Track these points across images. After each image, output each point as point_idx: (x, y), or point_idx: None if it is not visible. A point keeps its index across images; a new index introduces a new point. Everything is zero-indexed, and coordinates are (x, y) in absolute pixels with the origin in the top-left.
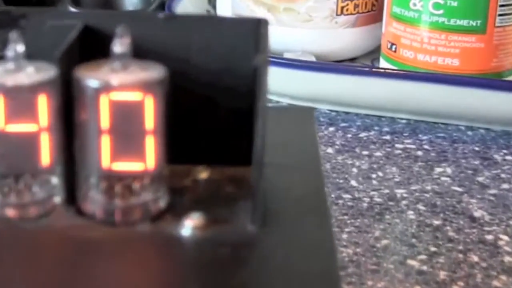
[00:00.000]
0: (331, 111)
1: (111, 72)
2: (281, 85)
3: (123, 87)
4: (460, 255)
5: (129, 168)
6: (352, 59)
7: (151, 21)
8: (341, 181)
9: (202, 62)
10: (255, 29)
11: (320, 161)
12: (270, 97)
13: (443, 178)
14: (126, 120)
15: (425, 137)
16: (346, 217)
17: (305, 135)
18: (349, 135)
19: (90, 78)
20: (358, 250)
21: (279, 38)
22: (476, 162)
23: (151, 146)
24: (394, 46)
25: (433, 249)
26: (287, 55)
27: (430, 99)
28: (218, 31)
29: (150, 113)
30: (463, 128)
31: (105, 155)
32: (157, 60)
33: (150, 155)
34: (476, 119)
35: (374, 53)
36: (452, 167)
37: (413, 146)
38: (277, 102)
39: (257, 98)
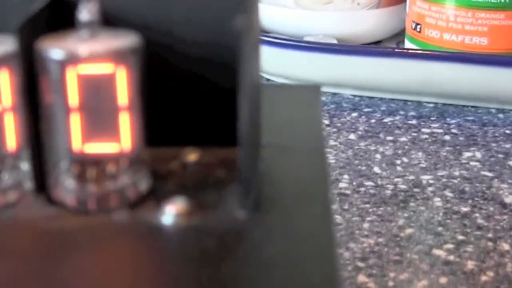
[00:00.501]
0: (355, 96)
1: (77, 42)
2: (302, 70)
3: (92, 58)
4: (490, 244)
5: (103, 149)
6: (376, 43)
7: None
8: (363, 168)
9: (185, 32)
10: None
11: (324, 143)
12: (292, 83)
13: (472, 163)
14: (97, 96)
15: (453, 121)
16: (368, 205)
17: (309, 115)
18: (373, 120)
19: (54, 49)
20: (380, 240)
21: (299, 21)
22: (508, 146)
23: (125, 125)
24: (419, 26)
25: (460, 237)
26: (307, 39)
27: (458, 81)
28: None
29: (123, 87)
30: (493, 110)
31: (76, 136)
32: (133, 29)
33: (125, 135)
34: (507, 101)
35: (400, 35)
36: (482, 151)
37: (440, 131)
38: None
39: (240, 69)
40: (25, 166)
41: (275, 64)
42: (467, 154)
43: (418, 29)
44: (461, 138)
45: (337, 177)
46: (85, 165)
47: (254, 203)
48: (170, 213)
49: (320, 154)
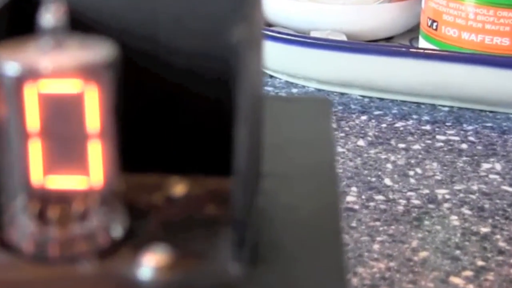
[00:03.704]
0: (364, 97)
1: (38, 53)
2: (307, 68)
3: (55, 74)
4: None
5: (68, 184)
6: (388, 39)
7: None
8: (373, 179)
9: (171, 40)
10: None
11: (336, 170)
12: (295, 81)
13: (491, 176)
14: (62, 120)
15: (470, 127)
16: (378, 223)
17: (318, 135)
18: (384, 125)
19: (9, 61)
20: (391, 264)
21: (305, 15)
22: None
23: (96, 155)
24: (435, 24)
25: (480, 263)
26: (314, 34)
27: (476, 84)
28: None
29: (94, 109)
30: None
31: (35, 167)
32: (109, 36)
33: (96, 167)
34: None
35: (413, 32)
36: (502, 163)
37: (456, 138)
38: (303, 87)
39: (238, 87)
40: None
41: (278, 61)
42: (485, 166)
43: (434, 27)
44: (479, 147)
45: (345, 189)
46: (46, 202)
47: (250, 254)
48: (149, 265)
49: (331, 185)
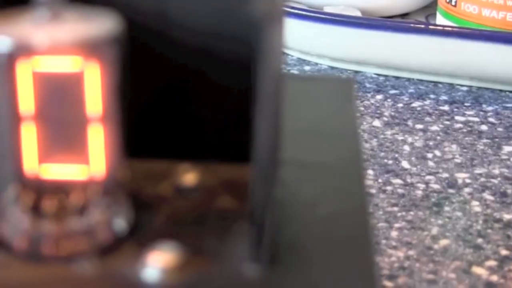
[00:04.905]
0: (379, 75)
1: (33, 26)
2: (320, 45)
3: (52, 50)
4: None
5: (65, 173)
6: (404, 15)
7: None
8: (390, 161)
9: (183, 15)
10: None
11: (362, 158)
12: (308, 58)
13: None
14: (59, 101)
15: (490, 108)
16: (396, 208)
17: (341, 118)
18: (400, 105)
19: None
20: (410, 252)
21: None
22: None
23: (97, 141)
24: (454, 0)
25: (504, 252)
26: (327, 10)
27: (496, 63)
28: None
29: (95, 89)
30: None
31: (29, 154)
32: (112, 8)
33: (96, 154)
34: None
35: (430, 8)
36: None
37: (476, 119)
38: (316, 64)
39: (258, 65)
40: None
41: (290, 37)
42: (507, 149)
43: (453, 3)
44: (499, 129)
45: None
46: (41, 194)
47: (269, 254)
48: (155, 265)
49: (356, 174)
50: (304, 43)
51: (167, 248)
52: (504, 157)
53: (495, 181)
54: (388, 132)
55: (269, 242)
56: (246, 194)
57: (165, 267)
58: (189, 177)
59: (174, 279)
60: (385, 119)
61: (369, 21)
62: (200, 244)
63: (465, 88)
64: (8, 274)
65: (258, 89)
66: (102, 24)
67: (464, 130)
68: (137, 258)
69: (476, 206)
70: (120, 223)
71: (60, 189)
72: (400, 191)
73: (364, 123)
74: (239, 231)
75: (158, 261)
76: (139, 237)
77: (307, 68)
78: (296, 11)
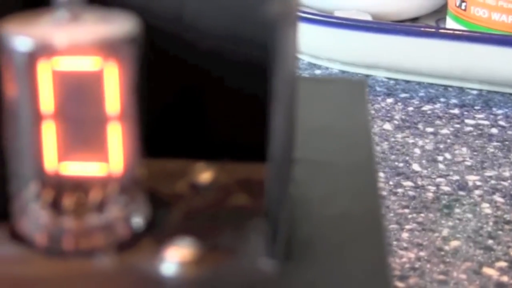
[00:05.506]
0: (389, 79)
1: (53, 27)
2: (331, 49)
3: (72, 50)
4: None
5: (85, 171)
6: (414, 19)
7: None
8: (400, 164)
9: (198, 16)
10: None
11: (374, 157)
12: (318, 62)
13: None
14: (79, 100)
15: (500, 111)
16: (407, 210)
17: (354, 118)
18: (411, 108)
19: (20, 36)
20: (421, 254)
21: None
22: None
23: (116, 139)
24: (464, 4)
25: None
26: (338, 14)
27: (506, 66)
28: None
29: (114, 88)
30: None
31: (49, 152)
32: (130, 11)
33: (115, 152)
34: None
35: (440, 12)
36: None
37: (486, 122)
38: (327, 68)
39: (274, 66)
40: None
41: (301, 41)
42: None
43: (463, 7)
44: (510, 132)
45: None
46: (61, 190)
47: (284, 249)
48: (172, 260)
49: (369, 172)
50: (315, 47)
51: (184, 243)
52: None
53: (505, 183)
54: (399, 135)
55: (284, 238)
56: (260, 192)
57: (182, 261)
58: (204, 175)
59: (191, 273)
60: (396, 122)
61: (379, 25)
62: (216, 239)
63: (475, 92)
64: (30, 268)
65: (274, 90)
66: (120, 25)
67: (474, 133)
68: (155, 253)
69: (486, 208)
70: (138, 220)
71: (80, 186)
72: (411, 193)
73: (375, 126)
74: (254, 227)
75: (175, 255)
76: (156, 233)
77: (317, 72)
78: (307, 15)
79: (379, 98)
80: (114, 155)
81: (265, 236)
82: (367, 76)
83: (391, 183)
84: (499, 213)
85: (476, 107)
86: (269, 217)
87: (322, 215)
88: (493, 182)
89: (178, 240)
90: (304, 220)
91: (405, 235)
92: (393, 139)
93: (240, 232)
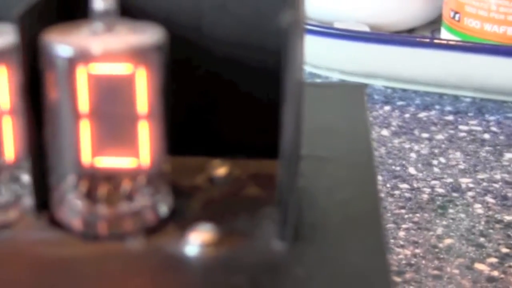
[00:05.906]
0: (387, 87)
1: (90, 36)
2: (331, 59)
3: (106, 56)
4: None
5: (117, 164)
6: (410, 30)
7: None
8: (397, 168)
9: (217, 27)
10: None
11: (373, 153)
12: (319, 72)
13: None
14: (112, 101)
15: (492, 118)
16: (403, 211)
17: (354, 119)
18: (407, 115)
19: (61, 43)
20: (417, 251)
21: (329, 6)
22: None
23: (145, 135)
24: (457, 15)
25: (505, 250)
26: (337, 25)
27: (499, 75)
28: None
29: (143, 90)
30: None
31: (85, 147)
32: (156, 22)
33: (144, 147)
34: None
35: (435, 23)
36: None
37: (479, 128)
38: (326, 77)
39: (285, 71)
40: (25, 178)
41: None
42: (508, 156)
43: (456, 18)
44: (501, 137)
45: None
46: (96, 181)
47: (293, 232)
48: (195, 242)
49: (368, 168)
50: (315, 57)
51: (205, 228)
52: (505, 163)
53: (496, 185)
54: (396, 141)
55: (293, 223)
56: (270, 185)
57: (203, 244)
58: (220, 170)
59: (211, 254)
60: (393, 128)
61: (377, 36)
62: (233, 224)
63: (468, 99)
64: (68, 250)
65: (285, 93)
66: (148, 35)
67: (468, 139)
68: (179, 236)
69: (478, 209)
70: (163, 208)
71: (112, 178)
72: (407, 195)
73: (373, 132)
74: (266, 214)
75: (197, 238)
76: (180, 219)
77: (318, 81)
78: (307, 26)
79: (377, 106)
80: (143, 150)
81: (276, 221)
82: (366, 84)
83: (388, 185)
84: (490, 213)
85: (470, 114)
86: (280, 205)
87: (326, 203)
88: (485, 184)
89: (199, 225)
90: (310, 207)
91: (401, 233)
92: (390, 144)
93: (253, 218)
